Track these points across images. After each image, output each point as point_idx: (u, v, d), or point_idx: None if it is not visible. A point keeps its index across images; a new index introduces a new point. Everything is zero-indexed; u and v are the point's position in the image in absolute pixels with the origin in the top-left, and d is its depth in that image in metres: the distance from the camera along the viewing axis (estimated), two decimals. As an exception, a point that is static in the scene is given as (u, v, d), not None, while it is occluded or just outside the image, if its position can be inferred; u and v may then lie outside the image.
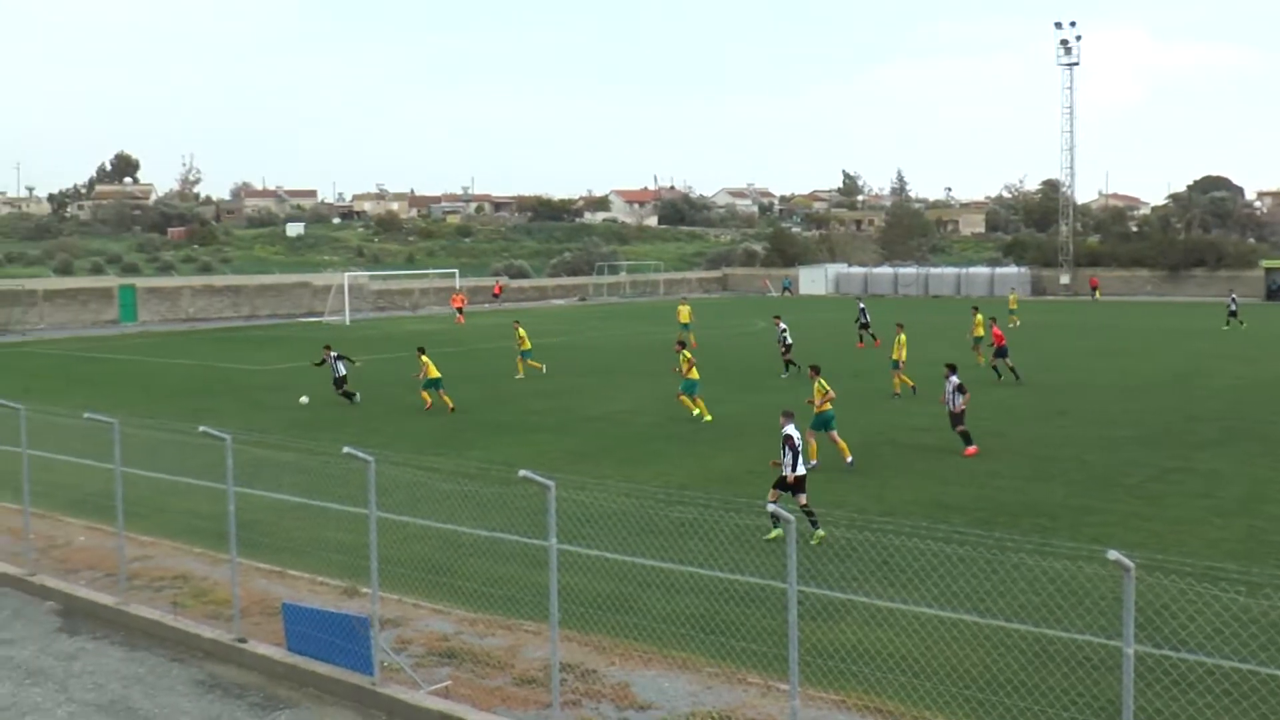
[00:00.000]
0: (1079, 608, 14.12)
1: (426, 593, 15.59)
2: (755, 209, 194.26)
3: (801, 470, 17.92)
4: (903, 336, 35.35)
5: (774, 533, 17.74)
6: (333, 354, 35.23)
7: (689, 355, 31.65)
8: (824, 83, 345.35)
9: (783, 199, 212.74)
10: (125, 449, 16.59)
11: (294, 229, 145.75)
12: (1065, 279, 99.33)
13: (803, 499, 17.93)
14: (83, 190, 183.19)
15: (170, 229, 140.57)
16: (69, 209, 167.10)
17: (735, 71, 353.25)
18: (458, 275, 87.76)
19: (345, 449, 13.54)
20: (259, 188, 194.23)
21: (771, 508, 12.53)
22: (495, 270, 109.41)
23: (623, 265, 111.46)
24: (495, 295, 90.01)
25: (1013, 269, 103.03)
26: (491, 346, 52.91)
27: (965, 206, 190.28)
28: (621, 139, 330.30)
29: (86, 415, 17.41)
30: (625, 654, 13.21)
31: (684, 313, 55.83)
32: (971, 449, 25.13)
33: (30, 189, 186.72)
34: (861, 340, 51.40)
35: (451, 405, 32.56)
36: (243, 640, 14.16)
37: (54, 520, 20.26)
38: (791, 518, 10.42)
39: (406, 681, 12.58)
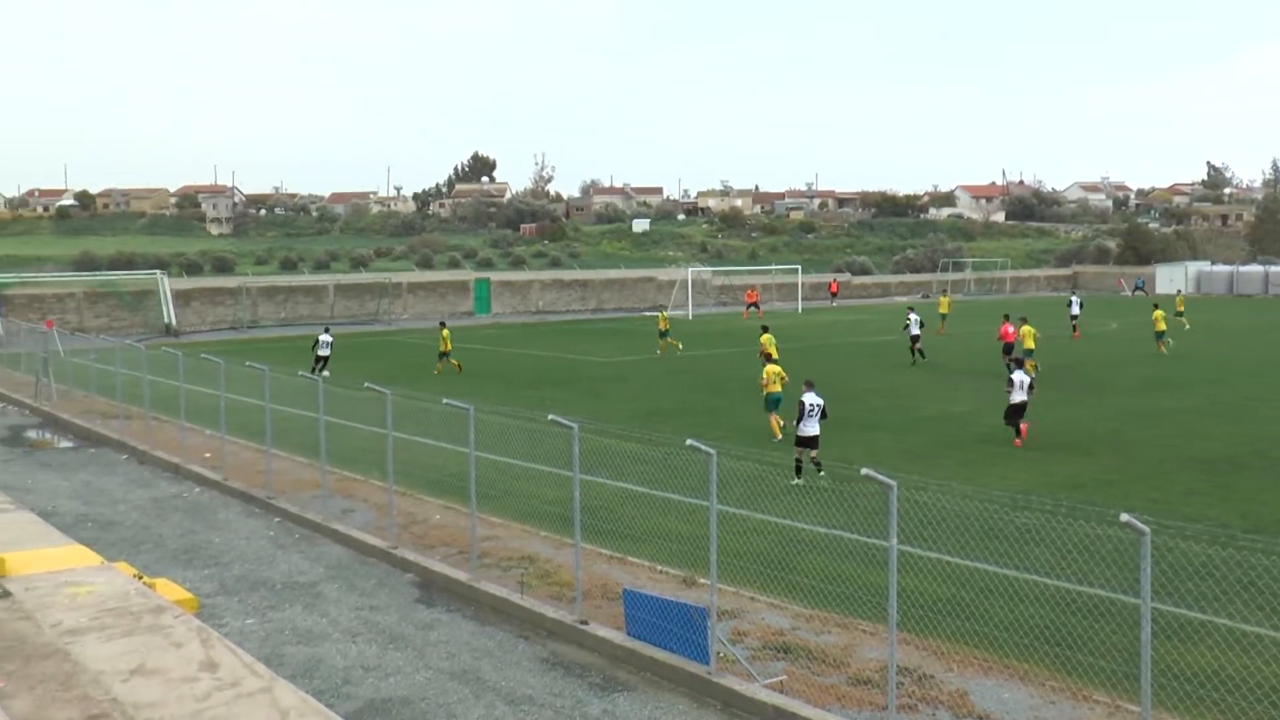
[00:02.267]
0: None
1: (763, 586, 15.69)
2: (1109, 204, 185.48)
3: (807, 431, 22.06)
4: (1028, 328, 38.97)
5: (795, 480, 21.66)
6: (325, 336, 41.52)
7: (770, 337, 36.20)
8: (1188, 67, 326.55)
9: (1139, 193, 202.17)
10: (478, 434, 17.45)
11: (640, 225, 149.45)
12: None
13: (814, 453, 22.23)
14: (443, 189, 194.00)
15: (523, 225, 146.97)
16: (431, 207, 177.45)
17: (1088, 59, 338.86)
18: (799, 272, 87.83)
19: (689, 441, 13.79)
20: (607, 185, 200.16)
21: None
22: (836, 267, 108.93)
23: (967, 262, 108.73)
24: (831, 294, 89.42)
25: None
26: (830, 343, 52.77)
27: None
28: (968, 133, 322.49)
29: (445, 401, 18.41)
30: (963, 661, 12.90)
31: (944, 303, 61.76)
32: (1018, 440, 26.08)
33: (398, 189, 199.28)
34: (1075, 331, 54.92)
35: (457, 369, 40.73)
36: (584, 622, 14.65)
37: (414, 498, 21.57)
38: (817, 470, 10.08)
39: (741, 673, 12.70)
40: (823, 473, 21.98)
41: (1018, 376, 26.52)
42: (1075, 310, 56.20)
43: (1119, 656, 12.36)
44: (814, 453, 22.25)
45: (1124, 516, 9.72)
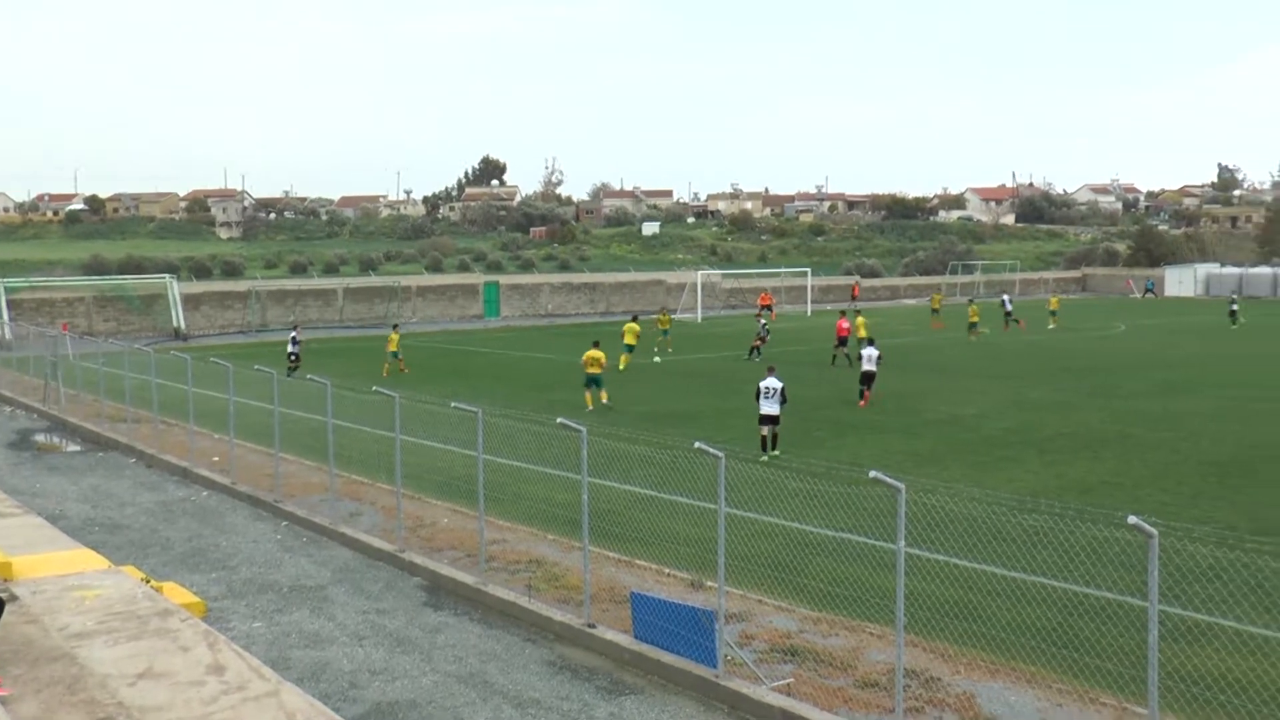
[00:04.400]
0: None
1: (771, 589, 15.69)
2: (1119, 206, 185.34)
3: (764, 410, 24.90)
4: (861, 318, 47.43)
5: (762, 456, 24.38)
6: (294, 335, 44.38)
7: (634, 325, 44.29)
8: (1198, 69, 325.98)
9: (1149, 195, 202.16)
10: (486, 437, 17.45)
11: (649, 228, 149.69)
12: None
13: (774, 429, 25.09)
14: (453, 193, 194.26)
15: (532, 228, 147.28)
16: (441, 211, 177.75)
17: (1099, 61, 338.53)
18: (809, 274, 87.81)
19: (697, 444, 13.79)
20: (617, 188, 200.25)
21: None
22: (846, 269, 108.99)
23: (977, 264, 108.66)
24: (853, 297, 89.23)
25: None
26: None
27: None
28: (978, 135, 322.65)
29: (453, 404, 18.43)
30: (970, 663, 12.89)
31: (936, 300, 70.83)
32: (862, 402, 33.07)
33: (408, 192, 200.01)
34: (1006, 325, 62.21)
35: (386, 370, 42.14)
36: (592, 625, 14.66)
37: (421, 501, 21.59)
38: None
39: (749, 676, 12.70)
40: (776, 452, 24.77)
41: (867, 351, 33.83)
42: (1008, 308, 64.52)
43: (1126, 659, 12.34)
44: (774, 429, 25.15)
45: (1131, 519, 9.71)
